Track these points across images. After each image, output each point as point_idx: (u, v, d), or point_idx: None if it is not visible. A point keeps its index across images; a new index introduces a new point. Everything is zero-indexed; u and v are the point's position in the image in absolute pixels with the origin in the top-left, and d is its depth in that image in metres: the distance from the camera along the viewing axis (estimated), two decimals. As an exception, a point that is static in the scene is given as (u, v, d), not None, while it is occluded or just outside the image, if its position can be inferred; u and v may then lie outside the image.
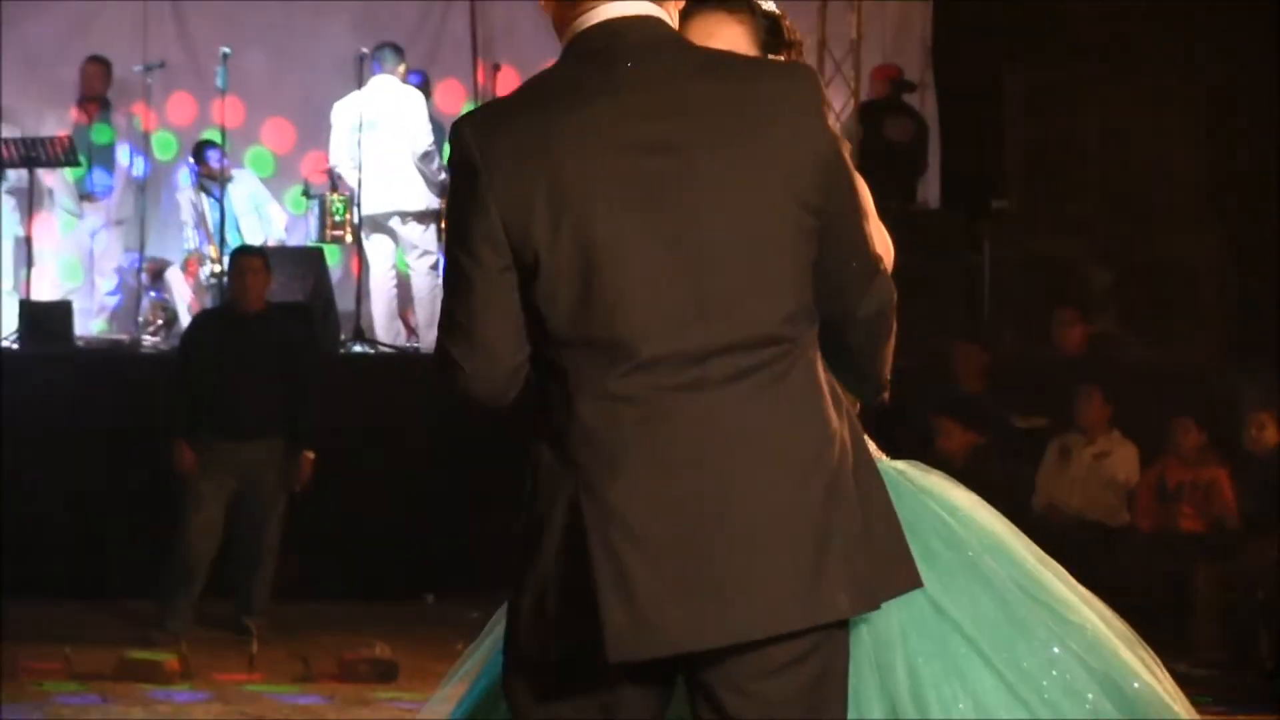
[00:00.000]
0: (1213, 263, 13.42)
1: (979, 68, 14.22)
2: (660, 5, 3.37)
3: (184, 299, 13.52)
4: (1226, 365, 12.41)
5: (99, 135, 14.00)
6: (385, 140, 13.19)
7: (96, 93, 14.05)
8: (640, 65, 3.29)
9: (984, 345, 12.39)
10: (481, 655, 3.96)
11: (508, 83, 13.31)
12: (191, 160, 13.88)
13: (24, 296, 13.05)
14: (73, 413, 11.66)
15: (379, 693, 9.21)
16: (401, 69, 13.61)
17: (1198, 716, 3.85)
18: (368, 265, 13.55)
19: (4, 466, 11.29)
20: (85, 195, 14.06)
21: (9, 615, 10.42)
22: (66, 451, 11.50)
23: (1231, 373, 12.16)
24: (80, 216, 14.10)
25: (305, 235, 13.90)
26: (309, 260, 13.36)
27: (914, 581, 3.44)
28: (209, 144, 13.72)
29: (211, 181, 13.63)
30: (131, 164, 14.19)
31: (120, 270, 14.08)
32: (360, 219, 13.33)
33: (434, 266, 13.20)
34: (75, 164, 13.55)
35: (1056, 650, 3.71)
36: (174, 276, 13.68)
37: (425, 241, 13.46)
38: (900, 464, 3.86)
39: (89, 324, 13.76)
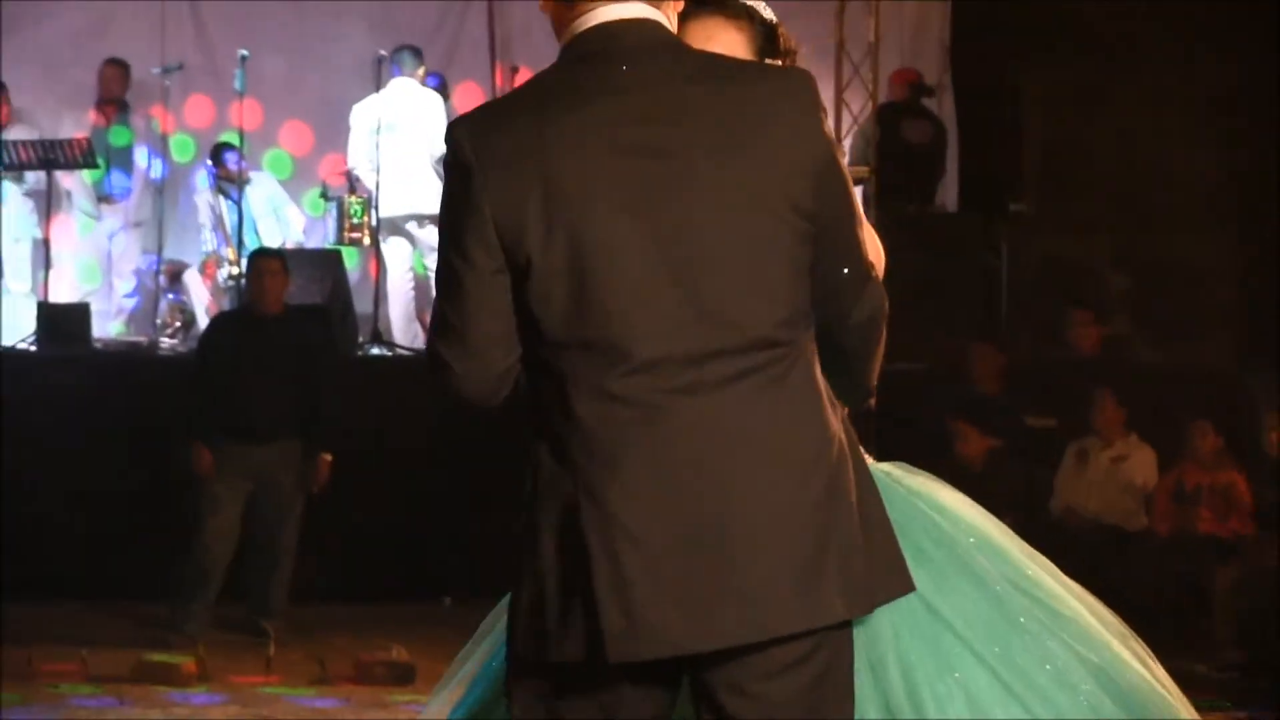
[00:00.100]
0: (1229, 265, 13.41)
1: (997, 70, 14.21)
2: (659, 8, 3.37)
3: (202, 301, 13.53)
4: (1242, 367, 12.39)
5: (117, 137, 14.03)
6: (404, 143, 13.20)
7: (115, 95, 14.08)
8: (637, 68, 3.30)
9: (1001, 348, 12.38)
10: (479, 657, 3.97)
11: (526, 86, 13.27)
12: (209, 162, 13.89)
13: (42, 298, 13.06)
14: (90, 415, 11.67)
15: (396, 695, 9.21)
16: (421, 72, 13.63)
17: (1193, 710, 3.86)
18: (385, 268, 13.55)
19: (22, 468, 11.31)
20: (103, 197, 14.08)
21: (26, 617, 10.44)
22: (82, 454, 11.50)
23: (1246, 375, 12.14)
24: (98, 219, 14.13)
25: (323, 238, 13.91)
26: (327, 263, 13.36)
27: (907, 587, 3.44)
28: (227, 146, 13.73)
29: (230, 184, 13.65)
30: (150, 166, 14.20)
31: (138, 272, 14.09)
32: (378, 221, 13.33)
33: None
34: (93, 166, 13.56)
35: (1050, 644, 3.73)
36: (192, 279, 13.70)
37: (443, 244, 13.43)
38: (887, 466, 3.87)
39: (107, 326, 13.78)
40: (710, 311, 3.22)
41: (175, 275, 13.73)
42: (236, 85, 13.55)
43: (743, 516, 3.21)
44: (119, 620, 10.85)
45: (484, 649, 3.97)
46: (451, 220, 3.32)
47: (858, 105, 12.80)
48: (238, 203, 13.51)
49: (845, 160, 3.46)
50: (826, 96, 12.07)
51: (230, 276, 13.31)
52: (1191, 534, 10.89)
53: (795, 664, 3.25)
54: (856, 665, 3.43)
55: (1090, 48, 13.54)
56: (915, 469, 3.96)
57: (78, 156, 13.34)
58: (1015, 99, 13.94)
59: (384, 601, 11.39)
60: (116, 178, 14.04)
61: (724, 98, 3.28)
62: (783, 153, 3.26)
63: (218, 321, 11.63)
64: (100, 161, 13.61)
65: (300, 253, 13.32)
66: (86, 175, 13.80)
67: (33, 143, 13.33)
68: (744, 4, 3.96)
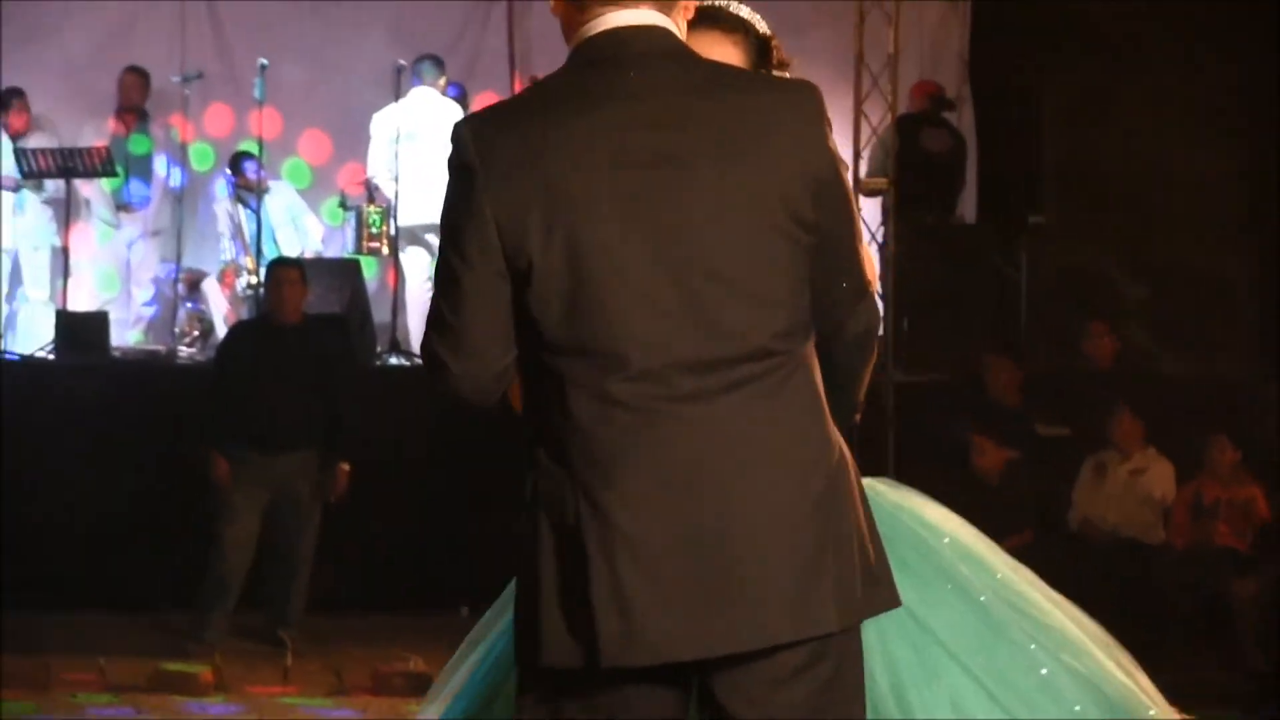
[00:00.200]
0: (1249, 277, 13.38)
1: (1016, 81, 14.19)
2: (669, 15, 3.38)
3: (220, 310, 13.54)
4: (1261, 379, 12.36)
5: (136, 146, 14.04)
6: (424, 152, 13.19)
7: (134, 103, 14.09)
8: (644, 75, 3.30)
9: (1019, 359, 12.37)
10: (469, 666, 3.99)
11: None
12: (228, 171, 13.92)
13: (60, 307, 13.08)
14: (108, 424, 11.67)
15: (413, 706, 9.17)
16: (442, 81, 13.64)
17: (1176, 716, 3.88)
18: (404, 277, 13.55)
19: (39, 477, 11.32)
20: (122, 206, 14.10)
21: (45, 626, 10.45)
22: (100, 462, 11.50)
23: (1265, 386, 12.11)
24: (117, 227, 14.15)
25: (342, 247, 13.92)
26: (346, 272, 13.37)
27: (893, 601, 3.43)
28: (246, 155, 13.75)
29: (248, 193, 13.67)
30: (169, 175, 14.21)
31: (157, 281, 14.11)
32: (397, 231, 13.34)
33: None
34: (112, 174, 13.59)
35: (1035, 653, 3.75)
36: (210, 287, 13.71)
37: (461, 254, 13.43)
38: (871, 480, 3.89)
39: (125, 335, 13.79)
40: (710, 320, 3.22)
41: (194, 284, 13.74)
42: (256, 94, 13.56)
43: (743, 518, 3.21)
44: (139, 629, 10.85)
45: (474, 657, 4.00)
46: (453, 220, 3.32)
47: (877, 117, 12.77)
48: (256, 212, 13.53)
49: (850, 174, 3.49)
50: (846, 107, 12.16)
51: (249, 285, 13.33)
52: (1209, 547, 10.87)
53: (804, 668, 3.25)
54: None
55: (1108, 60, 13.51)
56: (900, 484, 4.02)
57: (97, 165, 13.37)
58: (1035, 109, 13.92)
59: (401, 611, 11.37)
60: (136, 186, 14.05)
61: (729, 106, 3.29)
62: (784, 161, 3.26)
63: (236, 330, 11.64)
64: (119, 170, 13.63)
65: (319, 262, 13.33)
66: (106, 184, 13.84)
67: (52, 151, 13.36)
68: (740, 18, 4.00)
